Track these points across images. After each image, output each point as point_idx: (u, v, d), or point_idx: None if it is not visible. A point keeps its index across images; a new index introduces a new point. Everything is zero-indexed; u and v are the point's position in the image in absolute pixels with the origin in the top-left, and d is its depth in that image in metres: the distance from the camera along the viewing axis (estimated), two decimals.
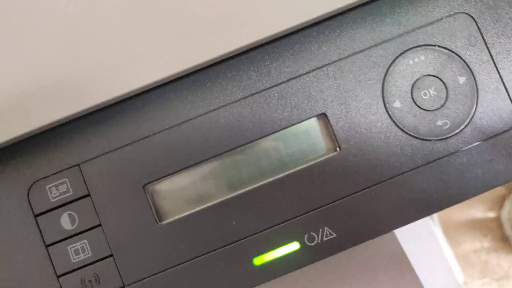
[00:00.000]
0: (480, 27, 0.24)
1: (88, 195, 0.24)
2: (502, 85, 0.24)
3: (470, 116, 0.24)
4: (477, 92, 0.24)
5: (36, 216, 0.24)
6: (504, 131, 0.24)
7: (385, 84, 0.24)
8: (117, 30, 0.22)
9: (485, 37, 0.24)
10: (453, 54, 0.24)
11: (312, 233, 0.24)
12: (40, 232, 0.24)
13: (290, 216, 0.24)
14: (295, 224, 0.24)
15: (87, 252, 0.24)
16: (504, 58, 0.24)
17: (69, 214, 0.24)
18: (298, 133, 0.24)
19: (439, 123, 0.24)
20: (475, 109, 0.24)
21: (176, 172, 0.24)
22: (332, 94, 0.24)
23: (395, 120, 0.24)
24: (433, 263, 0.50)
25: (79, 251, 0.24)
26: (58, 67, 0.22)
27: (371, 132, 0.24)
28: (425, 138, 0.24)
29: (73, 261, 0.24)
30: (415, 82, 0.24)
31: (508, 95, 0.24)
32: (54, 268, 0.24)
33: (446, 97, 0.24)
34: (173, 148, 0.24)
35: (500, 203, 0.60)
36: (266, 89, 0.24)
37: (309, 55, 0.24)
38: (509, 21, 0.24)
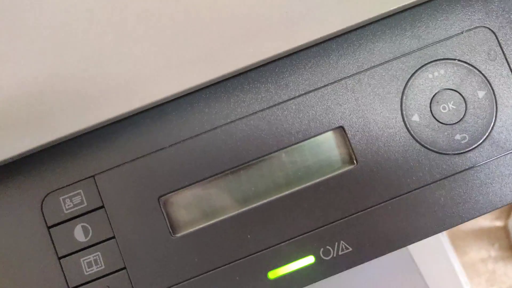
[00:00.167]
0: (501, 41, 0.24)
1: (102, 206, 0.24)
2: None
3: (489, 131, 0.24)
4: (496, 107, 0.24)
5: (49, 227, 0.24)
6: None
7: (404, 97, 0.24)
8: (135, 44, 0.22)
9: (505, 52, 0.24)
10: (472, 68, 0.24)
11: (327, 247, 0.24)
12: (53, 244, 0.24)
13: (306, 230, 0.24)
14: (311, 238, 0.24)
15: (100, 265, 0.24)
16: None
17: (82, 226, 0.24)
18: (315, 146, 0.24)
19: (458, 137, 0.24)
20: (494, 124, 0.24)
21: (191, 184, 0.24)
22: (350, 107, 0.24)
23: (413, 133, 0.24)
24: (441, 272, 0.50)
25: (92, 263, 0.24)
26: (76, 79, 0.22)
27: (389, 146, 0.24)
28: (443, 152, 0.24)
29: (86, 273, 0.24)
30: (434, 96, 0.24)
31: None
32: (66, 280, 0.24)
33: (465, 111, 0.24)
34: (189, 160, 0.24)
35: (507, 212, 0.60)
36: (283, 101, 0.24)
37: (328, 68, 0.24)
38: None
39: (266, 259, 0.24)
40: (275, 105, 0.24)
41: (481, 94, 0.24)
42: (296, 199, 0.24)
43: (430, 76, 0.24)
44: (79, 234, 0.24)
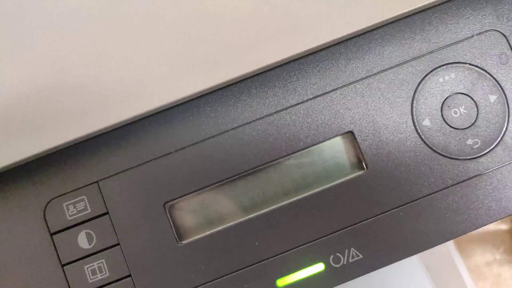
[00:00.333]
0: None
1: (107, 213, 0.23)
2: None
3: (501, 135, 0.23)
4: (508, 111, 0.23)
5: (52, 234, 0.23)
6: None
7: (415, 102, 0.23)
8: (141, 48, 0.22)
9: None
10: (484, 72, 0.23)
11: (337, 254, 0.23)
12: (56, 251, 0.23)
13: (315, 237, 0.23)
14: (320, 245, 0.23)
15: (104, 272, 0.23)
16: None
17: (86, 232, 0.23)
18: (324, 152, 0.23)
19: (470, 142, 0.23)
20: (506, 128, 0.23)
21: (197, 190, 0.23)
22: (360, 112, 0.23)
23: (424, 138, 0.23)
24: (446, 275, 0.49)
25: (96, 271, 0.23)
26: (81, 84, 0.21)
27: (400, 151, 0.23)
28: (455, 157, 0.23)
29: (90, 281, 0.23)
30: (445, 100, 0.23)
31: None
32: None
33: (477, 115, 0.23)
34: (195, 166, 0.23)
35: None
36: (291, 106, 0.23)
37: (336, 72, 0.23)
38: None
39: (274, 267, 0.23)
40: (283, 110, 0.23)
41: (492, 98, 0.23)
42: (305, 205, 0.23)
43: (441, 80, 0.23)
44: (83, 241, 0.23)
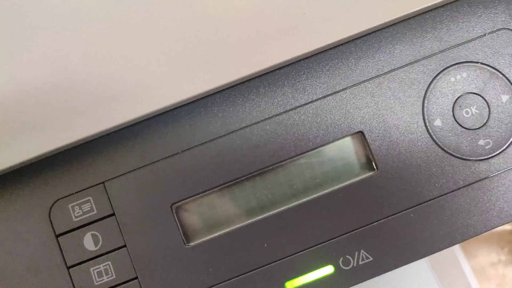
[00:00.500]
0: None
1: (113, 214, 0.23)
2: None
3: None
4: None
5: (57, 236, 0.23)
6: None
7: (426, 101, 0.23)
8: (147, 47, 0.21)
9: None
10: (496, 71, 0.23)
11: (347, 256, 0.23)
12: (62, 253, 0.23)
13: (325, 239, 0.23)
14: (330, 247, 0.23)
15: (110, 274, 0.23)
16: None
17: (92, 234, 0.23)
18: (334, 152, 0.23)
19: (481, 142, 0.23)
20: None
21: (205, 191, 0.23)
22: (370, 111, 0.23)
23: (435, 139, 0.23)
24: (452, 276, 0.49)
25: (102, 273, 0.23)
26: (88, 84, 0.21)
27: (410, 152, 0.23)
28: (466, 158, 0.23)
29: (96, 283, 0.23)
30: (456, 99, 0.23)
31: None
32: None
33: (489, 115, 0.23)
34: (203, 166, 0.23)
35: None
36: (301, 105, 0.23)
37: (346, 71, 0.23)
38: None
39: (283, 269, 0.23)
40: (292, 109, 0.23)
41: (504, 98, 0.23)
42: (314, 206, 0.23)
43: (453, 79, 0.23)
44: (89, 242, 0.23)
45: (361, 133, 0.23)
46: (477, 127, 0.23)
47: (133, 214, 0.23)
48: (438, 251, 0.23)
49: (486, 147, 0.23)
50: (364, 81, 0.23)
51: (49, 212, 0.23)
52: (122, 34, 0.22)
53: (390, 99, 0.23)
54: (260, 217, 0.23)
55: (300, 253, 0.23)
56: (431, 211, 0.23)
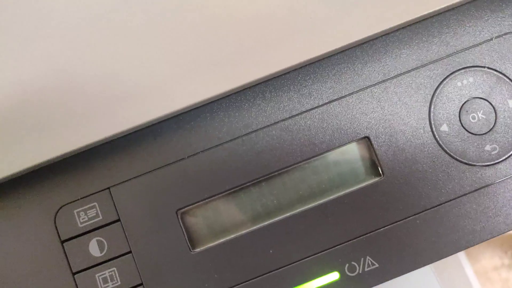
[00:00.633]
0: None
1: (118, 220, 0.23)
2: None
3: None
4: None
5: (63, 242, 0.23)
6: None
7: (432, 106, 0.23)
8: (152, 53, 0.21)
9: None
10: (503, 76, 0.23)
11: (353, 262, 0.23)
12: (67, 259, 0.23)
13: (330, 245, 0.23)
14: (335, 253, 0.23)
15: (116, 281, 0.23)
16: None
17: (98, 240, 0.23)
18: (340, 158, 0.23)
19: (488, 148, 0.23)
20: None
21: (210, 197, 0.23)
22: (376, 116, 0.23)
23: (442, 144, 0.23)
24: (454, 280, 0.49)
25: (107, 279, 0.23)
26: (93, 89, 0.21)
27: (417, 157, 0.23)
28: (473, 163, 0.23)
29: None
30: (463, 105, 0.23)
31: None
32: None
33: (495, 121, 0.23)
34: (208, 172, 0.23)
35: None
36: (306, 111, 0.23)
37: (352, 75, 0.23)
38: None
39: (288, 276, 0.23)
40: (297, 115, 0.23)
41: (511, 103, 0.23)
42: (320, 212, 0.23)
43: (459, 84, 0.23)
44: (94, 248, 0.23)
45: (367, 138, 0.23)
46: (484, 133, 0.23)
47: (139, 220, 0.23)
48: (444, 257, 0.22)
49: (493, 153, 0.23)
50: (370, 86, 0.23)
51: (55, 218, 0.23)
52: (128, 40, 0.21)
53: (397, 104, 0.23)
54: (265, 223, 0.23)
55: (306, 259, 0.23)
56: (437, 217, 0.23)
